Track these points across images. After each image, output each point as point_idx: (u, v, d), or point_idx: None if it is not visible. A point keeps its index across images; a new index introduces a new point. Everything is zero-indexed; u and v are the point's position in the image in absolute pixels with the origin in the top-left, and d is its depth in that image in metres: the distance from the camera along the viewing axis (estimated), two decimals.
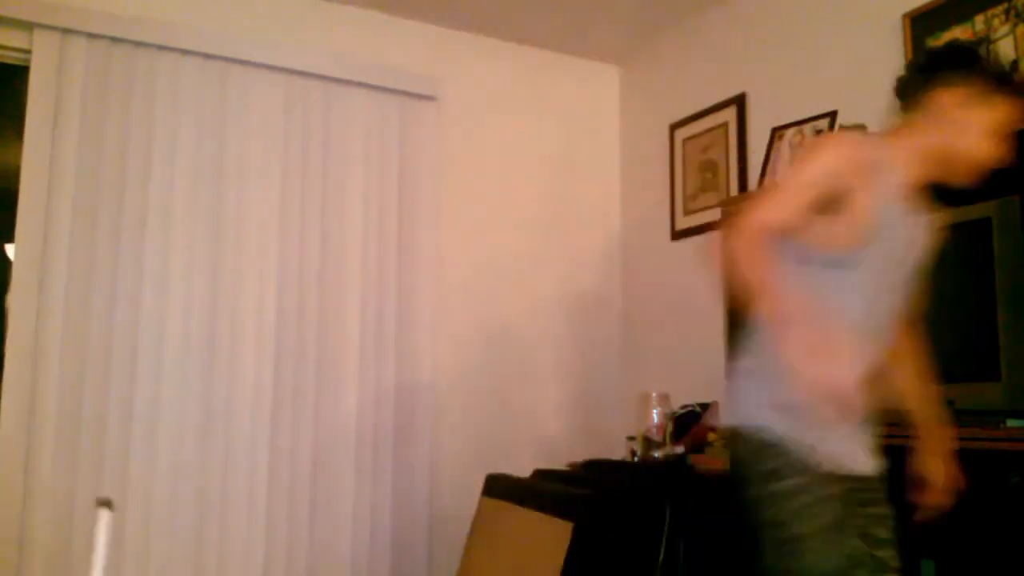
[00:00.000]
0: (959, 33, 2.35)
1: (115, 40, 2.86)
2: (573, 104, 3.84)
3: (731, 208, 2.57)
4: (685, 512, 2.45)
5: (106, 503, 1.60)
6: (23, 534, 2.60)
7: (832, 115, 2.68)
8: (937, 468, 1.67)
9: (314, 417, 3.04)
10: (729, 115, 3.25)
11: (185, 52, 2.97)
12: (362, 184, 3.22)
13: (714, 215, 3.19)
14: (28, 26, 2.76)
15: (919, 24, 2.50)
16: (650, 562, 2.41)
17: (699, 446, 2.83)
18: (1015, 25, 2.25)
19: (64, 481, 2.66)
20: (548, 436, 3.58)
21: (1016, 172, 1.82)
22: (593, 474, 2.83)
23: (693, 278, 3.35)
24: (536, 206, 3.68)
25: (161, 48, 2.93)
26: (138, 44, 2.90)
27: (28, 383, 2.65)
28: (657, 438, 2.84)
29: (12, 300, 2.67)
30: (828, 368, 1.36)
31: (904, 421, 1.71)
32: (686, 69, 3.54)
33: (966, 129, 1.55)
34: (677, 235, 3.48)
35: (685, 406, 3.04)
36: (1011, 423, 1.69)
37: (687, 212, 3.44)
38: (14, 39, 2.77)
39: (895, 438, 1.87)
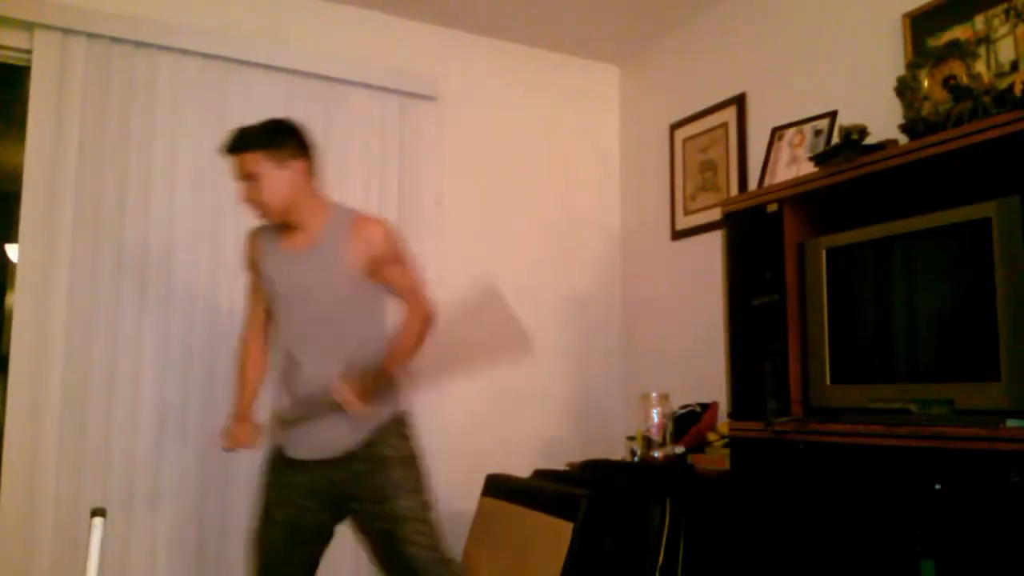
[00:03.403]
0: (959, 33, 2.35)
1: (115, 40, 2.86)
2: (573, 104, 3.84)
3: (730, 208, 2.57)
4: (685, 512, 2.46)
5: (99, 512, 1.61)
6: (28, 541, 2.59)
7: (832, 115, 2.69)
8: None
9: None
10: (729, 115, 3.25)
11: (185, 52, 2.96)
12: (362, 184, 3.22)
13: (714, 215, 3.19)
14: (29, 26, 2.76)
15: (919, 24, 2.50)
16: (650, 562, 2.41)
17: (699, 446, 2.83)
18: (1015, 25, 2.25)
19: (68, 486, 2.65)
20: (548, 436, 3.58)
21: (1016, 172, 1.82)
22: (593, 474, 2.84)
23: (693, 278, 3.35)
24: (536, 206, 3.68)
25: (161, 48, 2.93)
26: (138, 44, 2.89)
27: (32, 384, 2.64)
28: (657, 438, 2.84)
29: (15, 300, 2.67)
30: None
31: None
32: (686, 69, 3.54)
33: None
34: (677, 235, 3.48)
35: (685, 406, 3.04)
36: (1011, 423, 1.69)
37: (687, 212, 3.44)
38: (15, 39, 2.77)
39: (891, 438, 1.88)
